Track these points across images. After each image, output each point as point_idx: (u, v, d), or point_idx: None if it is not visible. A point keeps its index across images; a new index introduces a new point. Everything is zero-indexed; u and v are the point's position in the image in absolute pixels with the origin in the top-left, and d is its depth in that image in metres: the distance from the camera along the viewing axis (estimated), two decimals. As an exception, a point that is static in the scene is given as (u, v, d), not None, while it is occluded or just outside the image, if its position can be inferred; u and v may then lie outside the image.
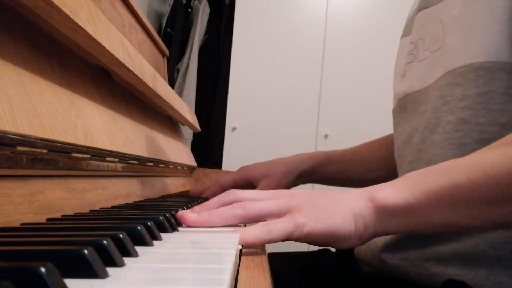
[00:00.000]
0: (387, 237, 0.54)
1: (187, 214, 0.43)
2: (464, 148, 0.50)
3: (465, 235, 0.48)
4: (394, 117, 0.67)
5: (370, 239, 0.44)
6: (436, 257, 0.50)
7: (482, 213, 0.40)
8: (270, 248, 0.48)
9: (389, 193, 0.42)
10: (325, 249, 0.74)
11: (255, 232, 0.39)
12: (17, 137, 0.37)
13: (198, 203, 0.54)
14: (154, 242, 0.34)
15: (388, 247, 0.55)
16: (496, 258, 0.46)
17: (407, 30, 0.67)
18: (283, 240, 0.41)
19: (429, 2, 0.62)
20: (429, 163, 0.53)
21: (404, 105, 0.62)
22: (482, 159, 0.40)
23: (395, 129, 0.66)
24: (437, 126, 0.53)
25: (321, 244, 0.44)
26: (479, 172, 0.39)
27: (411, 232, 0.43)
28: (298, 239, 0.41)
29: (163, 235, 0.37)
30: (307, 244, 0.47)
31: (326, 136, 2.35)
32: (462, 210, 0.40)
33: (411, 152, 0.58)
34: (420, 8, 0.64)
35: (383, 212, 0.42)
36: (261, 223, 0.40)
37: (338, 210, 0.42)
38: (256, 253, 0.38)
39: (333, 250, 0.73)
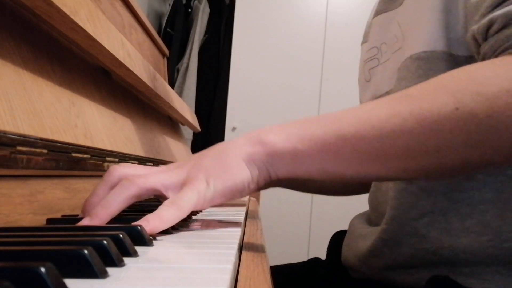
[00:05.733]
0: (371, 245, 0.54)
1: (82, 223, 0.38)
2: None
3: (440, 247, 0.48)
4: None
5: (266, 182, 0.42)
6: (421, 263, 0.50)
7: (364, 166, 0.39)
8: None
9: (278, 137, 0.41)
10: (316, 258, 0.74)
11: (168, 216, 0.37)
12: (17, 137, 0.37)
13: None
14: (154, 242, 0.34)
15: (372, 255, 0.55)
16: (478, 259, 0.47)
17: (365, 37, 0.67)
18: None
19: (387, 6, 0.62)
20: None
21: None
22: (371, 111, 0.39)
23: None
24: None
25: (226, 200, 0.42)
26: (366, 124, 0.38)
27: (301, 177, 0.42)
28: (203, 207, 0.40)
29: (163, 234, 0.37)
30: (303, 255, 0.46)
31: (326, 136, 2.35)
32: (346, 161, 0.39)
33: None
34: (378, 12, 0.64)
35: (272, 156, 0.41)
36: (166, 202, 0.38)
37: (230, 164, 0.41)
38: (256, 253, 0.38)
39: (324, 258, 0.73)
